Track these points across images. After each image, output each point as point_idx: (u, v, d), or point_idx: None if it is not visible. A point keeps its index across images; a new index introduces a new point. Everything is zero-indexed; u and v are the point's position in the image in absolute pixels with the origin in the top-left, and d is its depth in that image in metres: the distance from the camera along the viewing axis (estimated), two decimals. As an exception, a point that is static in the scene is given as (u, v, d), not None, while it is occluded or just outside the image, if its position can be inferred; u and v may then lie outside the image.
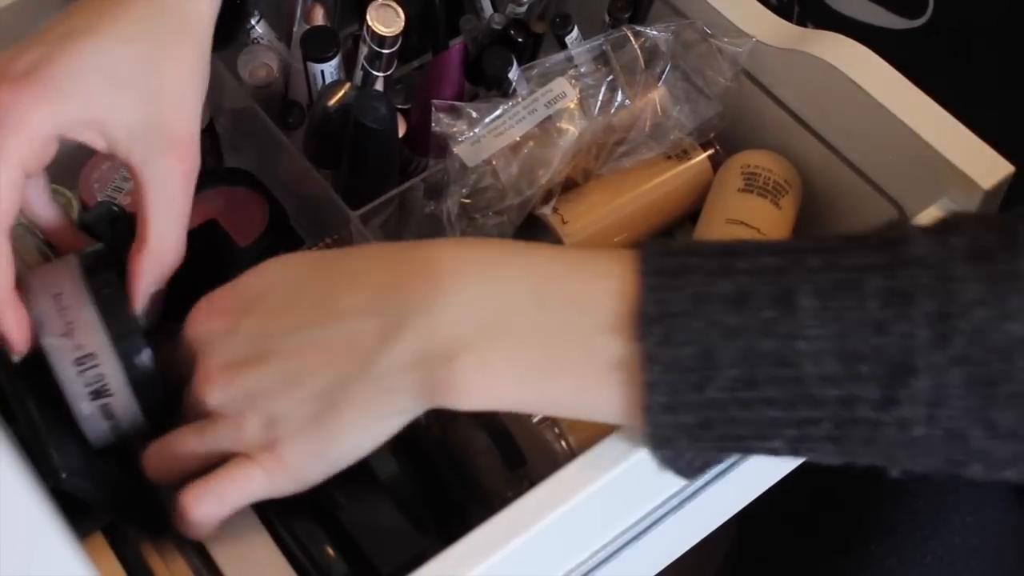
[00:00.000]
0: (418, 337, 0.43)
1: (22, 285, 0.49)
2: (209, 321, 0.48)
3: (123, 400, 0.49)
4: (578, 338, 0.42)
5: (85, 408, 0.49)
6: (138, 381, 0.49)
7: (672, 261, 0.41)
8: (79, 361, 0.48)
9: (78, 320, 0.48)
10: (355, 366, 0.43)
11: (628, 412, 0.42)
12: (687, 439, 0.41)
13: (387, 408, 0.44)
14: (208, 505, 0.46)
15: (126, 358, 0.48)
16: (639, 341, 0.40)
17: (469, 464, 0.55)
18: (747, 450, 0.42)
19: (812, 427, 0.40)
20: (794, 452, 0.41)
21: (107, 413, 0.49)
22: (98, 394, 0.49)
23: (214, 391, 0.46)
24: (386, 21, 0.62)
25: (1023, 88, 0.62)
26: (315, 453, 0.45)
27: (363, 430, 0.45)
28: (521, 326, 0.42)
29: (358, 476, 0.47)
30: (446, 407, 0.43)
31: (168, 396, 0.50)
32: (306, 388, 0.44)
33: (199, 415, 0.47)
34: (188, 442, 0.47)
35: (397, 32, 0.62)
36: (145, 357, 0.49)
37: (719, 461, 0.46)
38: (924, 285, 0.39)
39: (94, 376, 0.48)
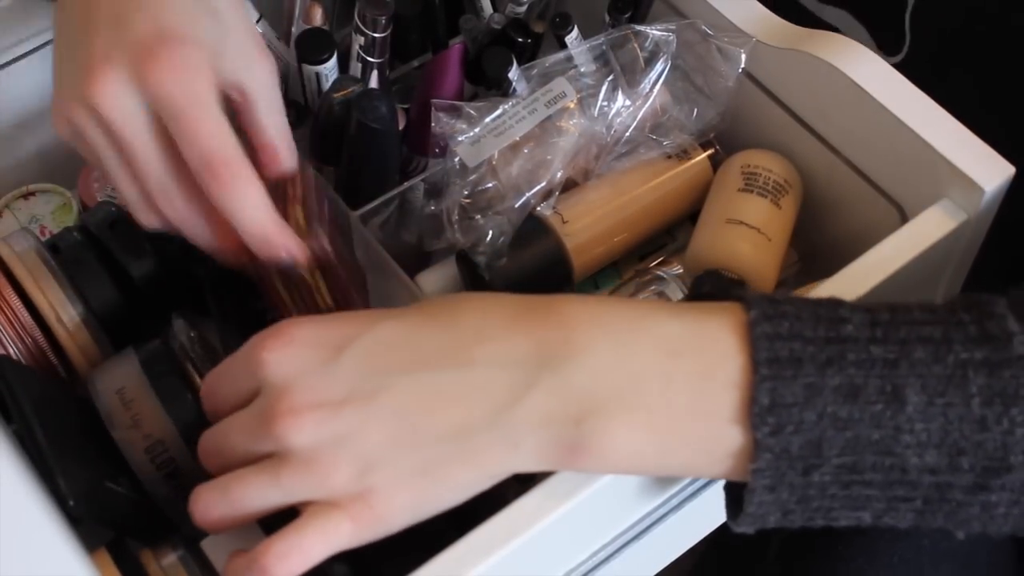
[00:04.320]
0: (546, 397, 0.42)
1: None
2: (296, 349, 0.43)
3: (194, 480, 0.50)
4: (700, 421, 0.42)
5: (162, 491, 0.51)
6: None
7: (784, 349, 0.41)
8: (149, 449, 0.50)
9: (143, 411, 0.50)
10: (482, 417, 0.41)
11: (733, 483, 0.45)
12: (780, 514, 0.43)
13: (506, 464, 0.42)
14: (293, 563, 0.42)
15: (193, 440, 0.49)
16: (753, 430, 0.41)
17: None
18: (832, 520, 0.43)
19: (902, 503, 0.42)
20: (875, 521, 0.43)
21: (182, 493, 0.49)
22: (171, 476, 0.51)
23: (301, 433, 0.42)
24: (377, 3, 0.62)
25: (1001, 111, 0.63)
26: (413, 505, 0.42)
27: (472, 485, 0.43)
28: (649, 400, 0.42)
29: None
30: (571, 469, 0.43)
31: None
32: (419, 435, 0.41)
33: (259, 452, 0.43)
34: (258, 489, 0.43)
35: (389, 14, 0.62)
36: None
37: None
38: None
39: (164, 460, 0.50)
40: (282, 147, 0.53)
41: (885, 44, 0.71)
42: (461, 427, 0.41)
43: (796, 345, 0.41)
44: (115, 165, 0.50)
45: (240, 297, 0.58)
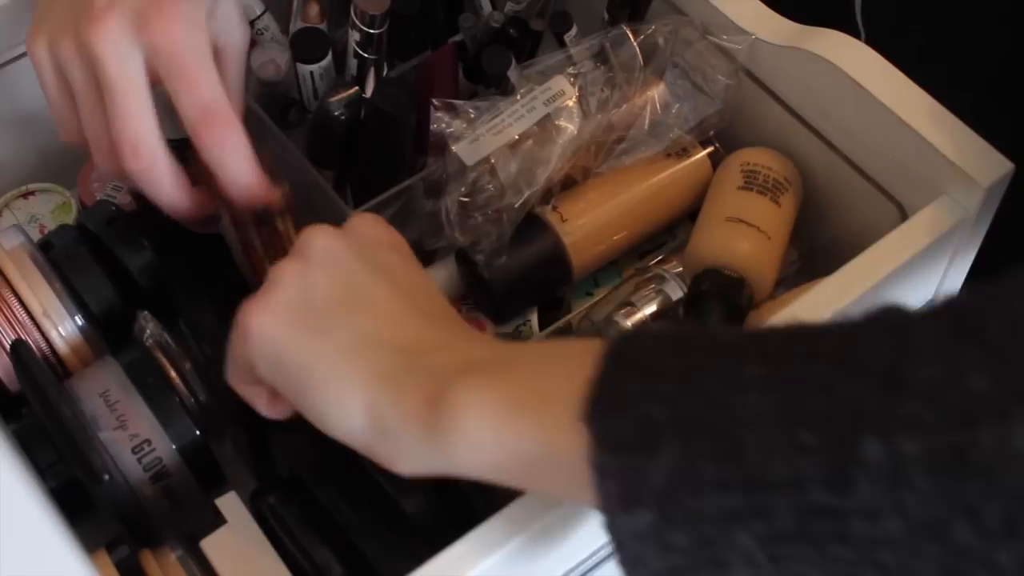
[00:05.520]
0: (449, 355, 0.43)
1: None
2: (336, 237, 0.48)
3: (181, 479, 0.52)
4: (549, 393, 0.40)
5: (148, 491, 0.51)
6: (192, 460, 0.52)
7: (630, 345, 0.39)
8: (136, 449, 0.51)
9: (129, 412, 0.51)
10: (400, 342, 0.44)
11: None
12: (654, 549, 0.37)
13: (371, 386, 0.43)
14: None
15: (179, 439, 0.51)
16: (586, 421, 0.38)
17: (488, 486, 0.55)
18: (722, 564, 0.37)
19: (773, 517, 0.35)
20: (774, 560, 0.36)
21: (168, 493, 0.52)
22: (159, 477, 0.51)
23: (316, 238, 0.47)
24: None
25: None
26: (277, 341, 0.44)
27: (329, 376, 0.43)
28: (518, 365, 0.42)
29: (367, 490, 0.48)
30: (425, 431, 0.41)
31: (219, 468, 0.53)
32: (346, 308, 0.44)
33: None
34: None
35: (384, 10, 0.62)
36: (196, 436, 0.52)
37: None
38: (881, 347, 0.35)
39: (152, 460, 0.51)
40: (239, 111, 0.55)
41: None
42: (374, 335, 0.44)
43: (645, 340, 0.39)
44: (89, 107, 0.53)
45: (211, 297, 0.59)
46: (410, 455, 0.42)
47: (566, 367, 0.40)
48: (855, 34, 0.61)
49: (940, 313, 0.35)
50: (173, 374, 0.53)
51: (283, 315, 0.45)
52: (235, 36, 0.56)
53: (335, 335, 0.44)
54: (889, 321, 0.36)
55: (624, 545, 0.38)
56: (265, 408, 0.48)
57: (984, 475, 0.32)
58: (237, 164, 0.52)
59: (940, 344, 0.34)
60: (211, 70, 0.52)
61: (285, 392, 0.45)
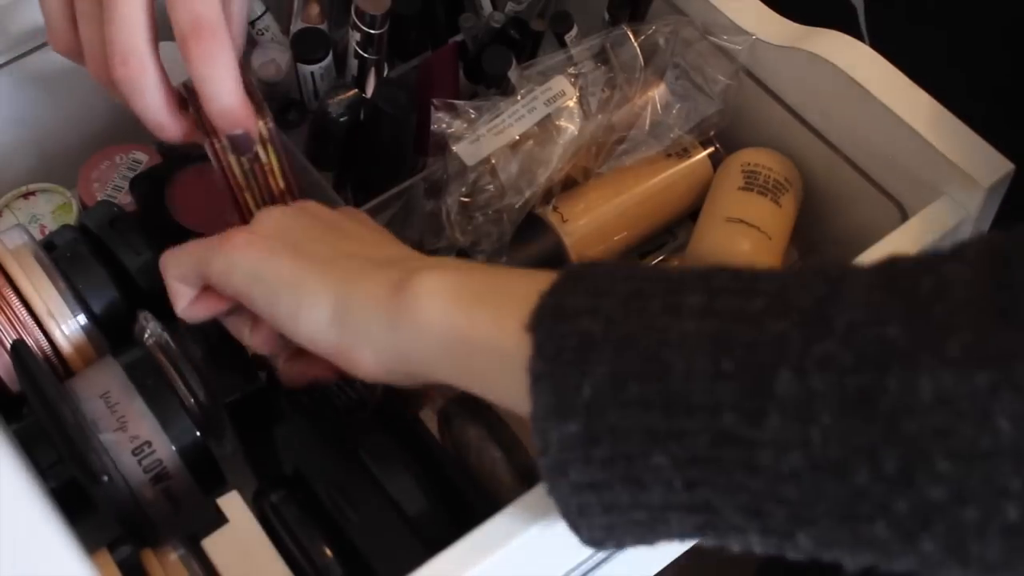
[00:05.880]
0: (411, 264, 0.46)
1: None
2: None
3: (181, 481, 0.52)
4: (505, 294, 0.43)
5: (149, 494, 0.51)
6: (192, 461, 0.52)
7: (584, 267, 0.41)
8: (137, 451, 0.51)
9: (129, 413, 0.51)
10: (371, 259, 0.47)
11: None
12: (577, 459, 0.38)
13: (342, 284, 0.46)
14: (170, 255, 0.51)
15: (179, 440, 0.51)
16: (531, 331, 0.40)
17: (487, 482, 0.55)
18: (638, 480, 0.37)
19: (689, 441, 0.36)
20: (688, 485, 0.37)
21: (168, 495, 0.52)
22: (159, 478, 0.51)
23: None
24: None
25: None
26: (257, 259, 0.48)
27: (302, 282, 0.46)
28: (481, 268, 0.46)
29: (370, 492, 0.48)
30: (390, 315, 0.44)
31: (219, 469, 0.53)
32: (323, 236, 0.49)
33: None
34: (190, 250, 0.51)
35: (385, 10, 0.62)
36: (196, 438, 0.52)
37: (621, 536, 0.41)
38: (814, 293, 0.36)
39: (152, 462, 0.51)
40: (238, 37, 0.56)
41: None
42: (346, 252, 0.48)
43: (602, 266, 0.41)
44: (85, 11, 0.53)
45: None
46: (370, 339, 0.45)
47: (528, 280, 0.42)
48: (858, 38, 0.61)
49: (877, 267, 0.36)
50: (173, 374, 0.53)
51: (267, 238, 0.48)
52: None
53: (313, 251, 0.48)
54: (829, 270, 0.37)
55: (549, 453, 0.38)
56: (183, 306, 0.51)
57: (887, 420, 0.33)
58: (220, 82, 0.51)
59: (869, 293, 0.35)
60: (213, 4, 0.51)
61: (253, 303, 0.48)
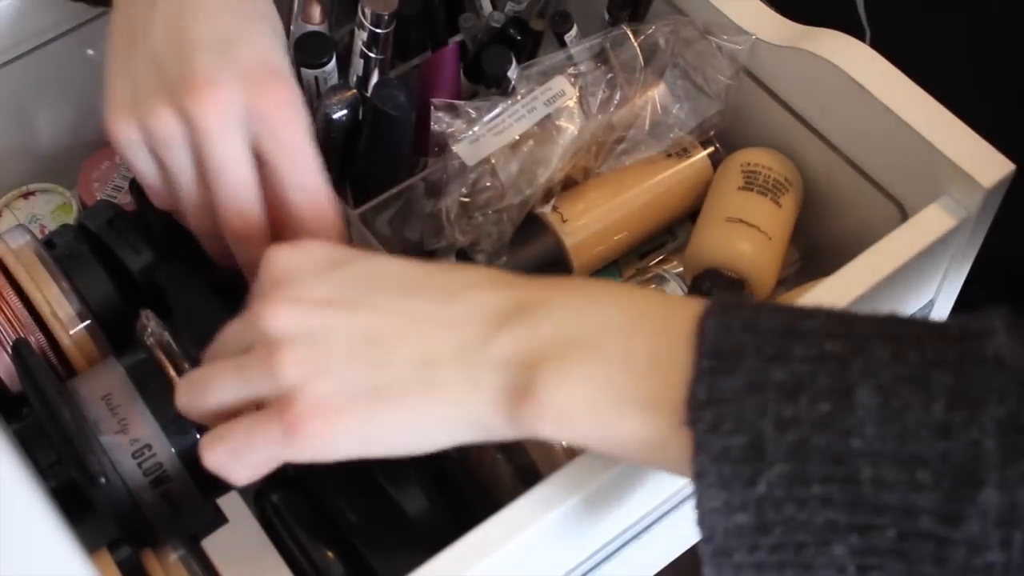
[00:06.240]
0: (517, 339, 0.41)
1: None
2: (297, 257, 0.45)
3: (181, 484, 0.51)
4: (653, 378, 0.40)
5: (148, 496, 0.51)
6: (193, 464, 0.51)
7: (729, 339, 0.38)
8: (137, 453, 0.50)
9: (130, 415, 0.51)
10: (449, 350, 0.41)
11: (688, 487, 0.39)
12: (744, 546, 0.38)
13: (461, 404, 0.41)
14: (220, 456, 0.42)
15: (179, 443, 0.51)
16: (690, 426, 0.38)
17: (487, 482, 0.55)
18: (809, 565, 0.38)
19: (875, 535, 0.36)
20: (860, 571, 0.37)
21: (168, 498, 0.51)
22: (158, 482, 0.51)
23: (277, 316, 0.42)
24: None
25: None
26: (354, 428, 0.41)
27: (423, 424, 0.42)
28: (608, 351, 0.40)
29: (370, 492, 0.48)
30: (518, 421, 0.41)
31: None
32: (382, 355, 0.41)
33: (240, 348, 0.44)
34: (223, 377, 0.43)
35: (393, 9, 0.62)
36: (197, 440, 0.51)
37: None
38: (996, 388, 0.35)
39: (152, 465, 0.51)
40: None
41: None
42: (425, 356, 0.41)
43: (745, 337, 0.38)
44: (189, 180, 0.52)
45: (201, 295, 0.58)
46: (485, 438, 0.42)
47: (659, 350, 0.39)
48: (860, 35, 0.61)
49: None
50: (173, 374, 0.53)
51: (331, 395, 0.41)
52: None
53: (389, 363, 0.41)
54: (1008, 360, 0.36)
55: (714, 539, 0.38)
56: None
57: None
58: (325, 228, 0.52)
59: None
60: (312, 149, 0.52)
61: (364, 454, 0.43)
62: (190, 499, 0.52)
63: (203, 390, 0.44)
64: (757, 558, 0.38)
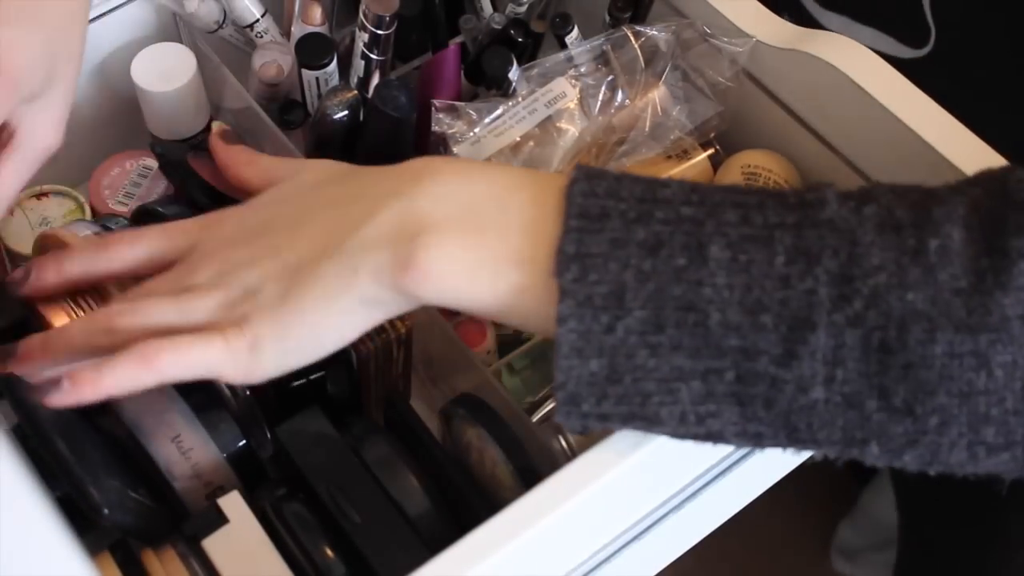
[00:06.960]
0: (389, 219, 0.44)
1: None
2: (228, 212, 0.50)
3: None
4: (524, 250, 0.43)
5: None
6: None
7: (595, 203, 0.42)
8: (211, 496, 0.51)
9: (202, 460, 0.51)
10: (328, 244, 0.45)
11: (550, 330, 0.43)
12: (593, 395, 0.42)
13: (349, 290, 0.44)
14: (165, 357, 0.45)
15: (245, 477, 0.52)
16: (557, 277, 0.41)
17: (487, 487, 0.55)
18: (652, 417, 0.42)
19: (715, 380, 0.41)
20: (698, 419, 0.42)
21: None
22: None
23: (212, 265, 0.47)
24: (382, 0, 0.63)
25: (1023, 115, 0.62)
26: (277, 334, 0.45)
27: (324, 313, 0.45)
28: (482, 219, 0.44)
29: (371, 492, 0.48)
30: (404, 292, 0.44)
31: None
32: (279, 261, 0.46)
33: (179, 289, 0.47)
34: (163, 310, 0.47)
35: (394, 10, 0.62)
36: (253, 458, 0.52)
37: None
38: (830, 246, 0.40)
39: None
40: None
41: (912, 35, 0.71)
42: (310, 253, 0.45)
43: (609, 203, 0.42)
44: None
45: None
46: (388, 312, 0.45)
47: (531, 217, 0.43)
48: (926, 34, 0.61)
49: (879, 220, 0.41)
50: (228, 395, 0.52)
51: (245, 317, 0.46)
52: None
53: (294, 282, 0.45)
54: (836, 220, 0.41)
55: (567, 386, 0.42)
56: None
57: (903, 367, 0.40)
58: None
59: (883, 254, 0.40)
60: None
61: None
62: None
63: (144, 325, 0.47)
64: (604, 408, 0.42)
